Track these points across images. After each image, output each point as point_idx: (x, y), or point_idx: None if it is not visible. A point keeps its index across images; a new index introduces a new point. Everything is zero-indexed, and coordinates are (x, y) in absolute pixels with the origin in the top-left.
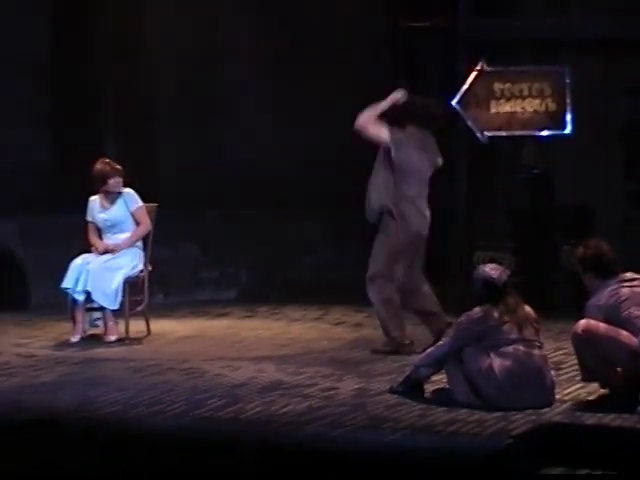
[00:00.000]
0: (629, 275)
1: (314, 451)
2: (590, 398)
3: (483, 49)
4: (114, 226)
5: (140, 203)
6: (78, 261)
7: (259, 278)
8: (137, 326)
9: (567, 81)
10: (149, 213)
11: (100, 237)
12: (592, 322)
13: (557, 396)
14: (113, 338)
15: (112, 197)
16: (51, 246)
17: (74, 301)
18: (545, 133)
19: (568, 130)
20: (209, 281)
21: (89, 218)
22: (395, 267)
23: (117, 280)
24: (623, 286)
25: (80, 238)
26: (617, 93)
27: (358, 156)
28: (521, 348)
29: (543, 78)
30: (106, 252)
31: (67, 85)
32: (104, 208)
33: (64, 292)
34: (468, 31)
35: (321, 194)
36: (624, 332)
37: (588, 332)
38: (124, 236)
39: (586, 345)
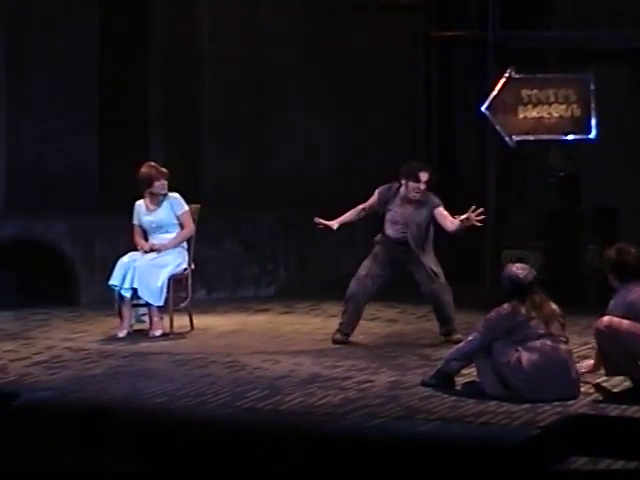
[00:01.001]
0: None
1: (351, 440)
2: (614, 390)
3: (513, 59)
4: (160, 228)
5: (186, 208)
6: (125, 259)
7: (299, 275)
8: (181, 321)
9: (592, 88)
10: (192, 214)
11: (145, 239)
12: (614, 318)
13: (582, 389)
14: (158, 333)
15: (158, 200)
16: (99, 245)
17: (121, 297)
18: (570, 137)
19: (593, 135)
20: (250, 278)
21: (135, 221)
22: None
23: (162, 277)
24: None
25: (126, 237)
26: None
27: (398, 158)
28: (548, 343)
29: (569, 85)
30: (152, 251)
31: (116, 87)
32: (150, 211)
33: (111, 289)
34: (498, 41)
35: (361, 194)
36: None
37: (610, 328)
38: (169, 236)
39: (609, 340)
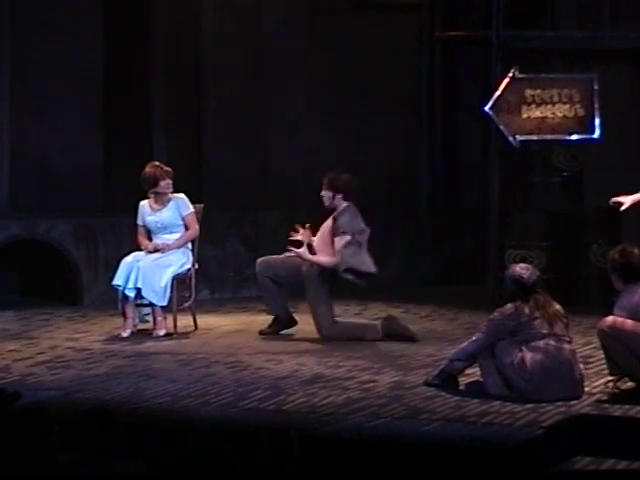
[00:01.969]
0: None
1: (354, 440)
2: (617, 391)
3: (516, 58)
4: (164, 228)
5: (191, 209)
6: (128, 259)
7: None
8: (185, 321)
9: (595, 88)
10: (196, 213)
11: (149, 239)
12: (618, 318)
13: (586, 389)
14: (162, 333)
15: (162, 200)
16: (103, 245)
17: (125, 297)
18: (574, 137)
19: (597, 135)
20: (253, 278)
21: (139, 222)
22: None
23: (166, 277)
24: None
25: (130, 237)
26: None
27: (401, 157)
28: (552, 342)
29: (572, 85)
30: (156, 251)
31: (119, 87)
32: (154, 210)
33: (114, 289)
34: (502, 41)
35: (364, 194)
36: None
37: (614, 328)
38: (173, 237)
39: (612, 340)
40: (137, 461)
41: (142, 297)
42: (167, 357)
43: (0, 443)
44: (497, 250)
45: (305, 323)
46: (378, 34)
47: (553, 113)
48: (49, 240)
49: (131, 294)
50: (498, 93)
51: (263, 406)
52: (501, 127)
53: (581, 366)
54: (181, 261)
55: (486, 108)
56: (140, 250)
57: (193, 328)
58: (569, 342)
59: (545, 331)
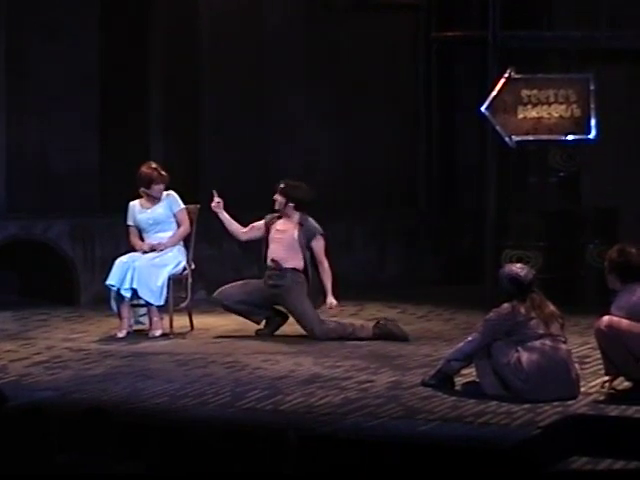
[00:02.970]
0: None
1: (351, 440)
2: (613, 391)
3: (513, 59)
4: (157, 225)
5: (182, 205)
6: (124, 259)
7: None
8: (181, 322)
9: (592, 88)
10: (192, 214)
11: (141, 238)
12: (614, 318)
13: (582, 389)
14: (158, 333)
15: (153, 199)
16: (99, 245)
17: (121, 297)
18: (570, 138)
19: (592, 135)
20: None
21: (130, 222)
22: None
23: (162, 277)
24: None
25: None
26: None
27: (399, 157)
28: (548, 343)
29: (569, 85)
30: (152, 250)
31: (116, 88)
32: (145, 208)
33: (108, 288)
34: (499, 41)
35: (362, 194)
36: None
37: (611, 328)
38: (165, 235)
39: (609, 340)
40: (135, 461)
41: (138, 297)
42: (164, 357)
43: None
44: (494, 250)
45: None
46: (376, 34)
47: (549, 113)
48: (46, 240)
49: (127, 294)
50: (494, 93)
51: (261, 406)
52: (497, 127)
53: (577, 366)
54: (177, 260)
55: (482, 108)
56: (135, 252)
57: (189, 328)
58: (565, 342)
59: (541, 331)
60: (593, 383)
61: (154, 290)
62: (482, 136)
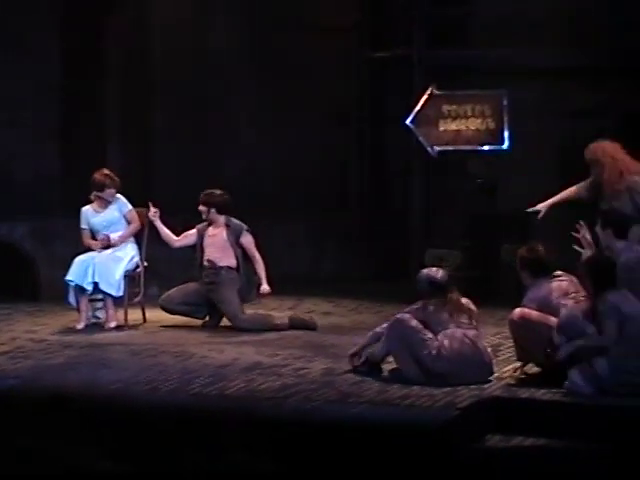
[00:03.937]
0: (558, 272)
1: (291, 422)
2: (524, 376)
3: (438, 75)
4: (109, 226)
5: (130, 207)
6: (82, 257)
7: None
8: (134, 315)
9: (504, 103)
10: (143, 217)
11: (94, 240)
12: (525, 310)
13: (496, 374)
14: (113, 325)
15: (104, 203)
16: (60, 245)
17: (82, 291)
18: (486, 148)
19: (506, 145)
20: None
21: (84, 225)
22: None
23: (120, 270)
24: (552, 281)
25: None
26: (553, 115)
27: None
28: (459, 330)
29: (484, 100)
30: (106, 248)
31: (77, 100)
32: (98, 212)
33: (67, 284)
34: (423, 60)
35: (298, 203)
36: (552, 318)
37: (522, 318)
38: (117, 234)
39: (521, 329)
40: (96, 447)
41: (99, 291)
42: (119, 348)
43: None
44: (418, 250)
45: None
46: (313, 53)
47: (467, 126)
48: (10, 241)
49: (89, 287)
50: (418, 108)
51: (207, 391)
52: (421, 138)
53: (490, 351)
54: (131, 254)
55: (407, 121)
56: (91, 251)
57: (142, 321)
58: (475, 329)
59: (452, 321)
60: (506, 368)
61: (113, 283)
62: (409, 145)
